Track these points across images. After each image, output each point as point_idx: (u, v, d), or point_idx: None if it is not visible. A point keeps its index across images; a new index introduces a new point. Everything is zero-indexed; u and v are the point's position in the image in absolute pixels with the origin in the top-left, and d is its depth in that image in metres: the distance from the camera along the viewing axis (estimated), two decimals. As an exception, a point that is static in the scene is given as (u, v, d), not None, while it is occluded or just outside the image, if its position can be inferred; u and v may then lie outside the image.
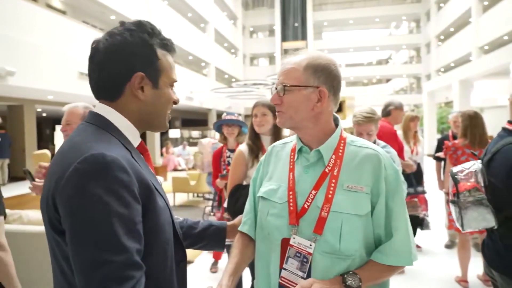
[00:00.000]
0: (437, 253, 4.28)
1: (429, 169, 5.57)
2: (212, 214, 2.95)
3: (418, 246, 4.34)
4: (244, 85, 17.09)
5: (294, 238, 1.04)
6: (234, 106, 23.46)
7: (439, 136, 16.40)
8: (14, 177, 11.65)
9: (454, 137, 4.13)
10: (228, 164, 3.00)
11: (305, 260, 1.02)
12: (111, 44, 0.90)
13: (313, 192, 1.05)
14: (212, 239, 1.21)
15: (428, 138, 17.60)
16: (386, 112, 3.73)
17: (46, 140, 18.74)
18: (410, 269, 3.69)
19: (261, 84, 16.82)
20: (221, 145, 3.28)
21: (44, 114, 17.08)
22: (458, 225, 1.74)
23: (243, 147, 2.36)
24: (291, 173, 1.11)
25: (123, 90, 0.91)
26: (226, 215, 2.86)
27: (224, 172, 3.00)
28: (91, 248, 0.74)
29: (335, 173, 1.05)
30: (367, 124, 2.47)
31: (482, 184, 1.66)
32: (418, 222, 4.16)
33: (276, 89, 1.10)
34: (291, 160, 1.14)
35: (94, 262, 0.74)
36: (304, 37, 27.42)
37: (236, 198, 2.24)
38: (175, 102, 1.01)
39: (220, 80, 24.06)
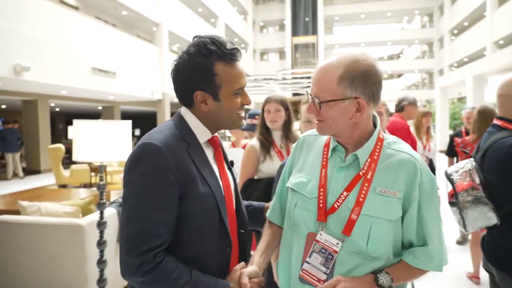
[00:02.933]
0: (448, 249, 4.25)
1: (441, 165, 5.52)
2: None
3: (429, 242, 4.32)
4: (255, 80, 17.08)
5: (321, 234, 1.05)
6: (244, 101, 23.46)
7: (451, 132, 16.20)
8: (29, 171, 11.91)
9: (467, 133, 4.10)
10: None
11: (330, 257, 1.03)
12: (177, 68, 1.10)
13: (345, 193, 1.04)
14: (252, 218, 1.31)
15: (440, 134, 17.40)
16: (400, 108, 3.72)
17: (59, 135, 19.04)
18: (421, 265, 3.69)
19: (272, 79, 16.80)
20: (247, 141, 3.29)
21: (57, 109, 17.35)
22: (460, 226, 1.72)
23: (254, 142, 2.39)
24: (324, 170, 1.10)
25: (192, 102, 1.11)
26: None
27: None
28: (126, 212, 1.00)
29: (368, 177, 1.03)
30: None
31: (478, 182, 1.64)
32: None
33: (312, 98, 1.06)
34: (324, 156, 1.13)
35: (126, 222, 0.99)
36: (314, 32, 27.21)
37: (250, 193, 2.26)
38: (246, 104, 1.15)
39: (230, 75, 24.05)
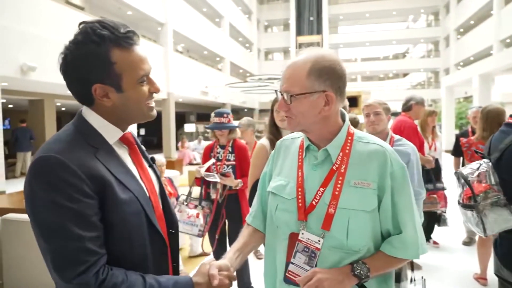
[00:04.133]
0: (455, 249, 4.23)
1: (447, 165, 5.49)
2: (185, 204, 2.94)
3: (435, 243, 4.30)
4: (259, 80, 17.07)
5: (303, 233, 1.06)
6: (249, 101, 23.48)
7: (457, 132, 16.10)
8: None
9: (474, 133, 4.06)
10: (217, 160, 3.00)
11: (313, 255, 1.05)
12: (64, 61, 0.94)
13: (321, 189, 1.06)
14: None
15: (446, 134, 17.28)
16: (407, 107, 3.69)
17: (65, 134, 19.14)
18: (427, 265, 3.67)
19: (276, 78, 16.75)
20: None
21: (63, 109, 17.45)
22: (478, 230, 1.66)
23: (264, 141, 2.40)
24: (300, 170, 1.12)
25: (92, 98, 0.96)
26: (199, 208, 2.91)
27: (224, 169, 2.97)
28: (42, 236, 0.87)
29: (342, 170, 1.06)
30: (373, 104, 2.46)
31: (494, 183, 1.61)
32: (436, 219, 4.12)
33: (282, 95, 1.09)
34: (300, 156, 1.15)
35: (47, 247, 0.87)
36: (319, 31, 27.16)
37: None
38: (154, 92, 1.02)
39: (234, 75, 24.10)
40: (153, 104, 1.03)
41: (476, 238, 3.86)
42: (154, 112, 1.05)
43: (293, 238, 1.08)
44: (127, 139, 1.05)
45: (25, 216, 2.72)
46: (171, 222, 1.12)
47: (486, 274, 3.32)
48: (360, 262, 1.02)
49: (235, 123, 3.25)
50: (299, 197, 1.09)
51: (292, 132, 1.21)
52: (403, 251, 1.05)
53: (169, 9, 14.49)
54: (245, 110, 26.06)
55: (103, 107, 0.97)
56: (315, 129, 1.10)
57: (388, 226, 1.07)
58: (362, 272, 1.00)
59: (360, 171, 1.06)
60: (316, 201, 1.06)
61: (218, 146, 3.06)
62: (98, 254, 0.88)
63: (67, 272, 0.85)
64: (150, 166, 1.13)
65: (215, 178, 2.87)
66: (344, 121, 1.13)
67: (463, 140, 3.33)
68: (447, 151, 8.46)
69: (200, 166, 2.98)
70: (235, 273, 1.11)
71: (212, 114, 3.05)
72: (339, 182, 1.05)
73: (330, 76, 1.04)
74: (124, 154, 1.04)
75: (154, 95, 1.04)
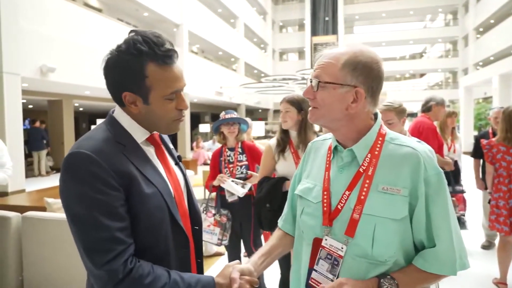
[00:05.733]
0: (473, 253, 4.14)
1: (466, 167, 5.37)
2: (204, 212, 2.90)
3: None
4: (274, 80, 17.05)
5: (326, 239, 1.01)
6: (263, 101, 23.47)
7: (476, 133, 15.73)
8: (55, 169, 12.29)
9: (494, 135, 3.97)
10: (229, 163, 2.97)
11: (335, 262, 0.99)
12: (106, 65, 1.02)
13: (347, 192, 1.00)
14: None
15: (465, 135, 16.92)
16: (427, 108, 3.62)
17: (83, 134, 19.41)
18: (445, 269, 3.59)
19: (291, 79, 16.72)
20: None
21: (81, 109, 17.80)
22: None
23: (272, 142, 2.49)
24: (327, 173, 1.07)
25: (122, 102, 1.04)
26: (217, 216, 2.86)
27: (243, 173, 2.94)
28: (76, 226, 0.93)
29: (369, 173, 0.98)
30: (386, 112, 2.38)
31: None
32: (454, 222, 4.04)
33: (311, 81, 1.03)
34: (328, 158, 1.10)
35: (79, 237, 0.93)
36: (335, 31, 26.95)
37: (261, 189, 2.39)
38: (182, 109, 1.07)
39: (249, 75, 24.12)
40: (181, 119, 1.09)
41: (496, 242, 3.76)
42: (178, 127, 1.10)
43: (317, 243, 1.03)
44: (154, 140, 1.11)
45: (44, 214, 2.78)
46: (196, 219, 1.17)
47: (506, 279, 3.24)
48: (388, 276, 0.93)
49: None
50: (325, 201, 1.03)
51: (314, 124, 1.18)
52: (437, 266, 0.96)
53: (185, 11, 14.61)
54: (260, 110, 26.06)
55: (131, 112, 1.05)
56: (340, 126, 1.03)
57: (422, 237, 0.98)
58: (389, 287, 0.92)
59: (389, 175, 0.97)
60: (342, 205, 1.00)
61: (227, 150, 3.02)
62: (126, 243, 0.94)
63: (98, 258, 0.91)
64: (177, 164, 1.19)
65: (245, 188, 2.84)
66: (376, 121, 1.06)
67: (483, 141, 3.26)
68: (465, 153, 8.28)
69: (222, 177, 2.87)
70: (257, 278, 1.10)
71: (222, 113, 3.04)
72: (366, 185, 0.98)
73: (364, 72, 0.98)
74: (150, 152, 1.09)
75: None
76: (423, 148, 1.01)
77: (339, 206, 1.00)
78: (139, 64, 0.98)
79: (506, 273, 3.23)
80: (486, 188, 3.97)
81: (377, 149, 1.01)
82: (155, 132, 1.11)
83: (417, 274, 0.96)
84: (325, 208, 1.03)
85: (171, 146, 1.22)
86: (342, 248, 0.98)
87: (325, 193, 1.04)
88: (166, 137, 1.23)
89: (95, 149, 0.95)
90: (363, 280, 0.95)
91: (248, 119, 4.11)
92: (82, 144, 0.96)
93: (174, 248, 1.05)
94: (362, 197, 0.97)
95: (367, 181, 0.98)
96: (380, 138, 1.02)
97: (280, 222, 1.26)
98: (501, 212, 3.14)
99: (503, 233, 3.12)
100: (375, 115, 1.07)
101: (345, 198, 1.00)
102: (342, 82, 0.98)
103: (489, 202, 3.31)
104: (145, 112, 1.03)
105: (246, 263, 1.10)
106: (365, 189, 0.98)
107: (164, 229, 1.02)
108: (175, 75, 1.03)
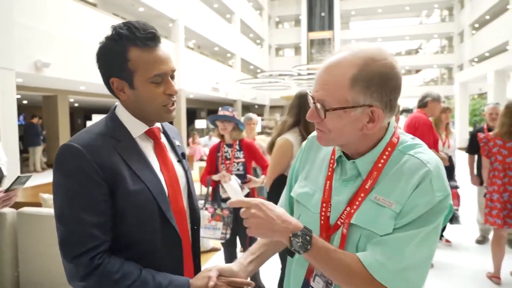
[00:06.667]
0: (467, 248, 4.18)
1: (461, 163, 5.41)
2: (204, 208, 2.88)
3: (448, 241, 4.25)
4: (270, 76, 17.02)
5: None
6: (260, 97, 23.44)
7: (471, 129, 15.83)
8: (50, 164, 12.22)
9: (490, 130, 4.00)
10: (226, 159, 2.96)
11: (330, 282, 0.90)
12: (96, 55, 1.05)
13: (348, 209, 0.88)
14: None
15: (460, 131, 17.01)
16: (423, 103, 3.64)
17: (78, 130, 19.31)
18: (439, 263, 3.63)
19: (287, 75, 16.70)
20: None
21: (76, 104, 17.69)
22: None
23: (291, 137, 2.22)
24: (328, 182, 0.94)
25: (112, 91, 1.05)
26: (219, 211, 2.84)
27: (239, 170, 2.93)
28: (56, 215, 0.96)
29: (367, 187, 0.87)
30: None
31: None
32: (448, 216, 4.08)
33: (314, 102, 0.86)
34: (331, 165, 0.96)
35: (57, 226, 0.96)
36: (331, 27, 26.91)
37: (278, 190, 2.11)
38: (170, 94, 1.04)
39: (245, 71, 24.06)
40: (173, 106, 1.07)
41: (490, 236, 3.80)
42: (172, 114, 1.07)
43: None
44: (153, 133, 1.10)
45: (40, 210, 2.77)
46: (195, 218, 1.16)
47: (500, 273, 3.28)
48: (309, 235, 0.82)
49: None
50: (323, 214, 0.92)
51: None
52: (377, 267, 0.80)
53: (181, 6, 14.52)
54: (256, 106, 26.02)
55: (124, 102, 1.06)
56: (351, 144, 0.90)
57: None
58: (298, 245, 0.81)
59: (387, 186, 0.84)
60: (342, 221, 0.88)
61: (224, 146, 3.01)
62: (99, 239, 0.94)
63: (68, 251, 0.93)
64: (180, 161, 1.17)
65: (243, 191, 2.83)
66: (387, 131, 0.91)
67: (481, 135, 3.30)
68: (460, 149, 8.33)
69: (224, 175, 2.85)
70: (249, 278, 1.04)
71: (219, 109, 3.03)
72: (359, 199, 0.86)
73: (380, 86, 0.81)
74: (148, 147, 1.08)
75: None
76: (435, 163, 0.85)
77: (338, 222, 0.89)
78: (120, 48, 0.99)
79: (500, 267, 3.27)
80: (481, 184, 4.01)
81: (382, 160, 0.88)
82: (156, 126, 1.11)
83: (344, 258, 0.82)
84: (322, 222, 0.92)
85: (177, 142, 1.20)
86: None
87: (324, 205, 0.93)
88: (174, 133, 1.22)
89: (85, 143, 0.97)
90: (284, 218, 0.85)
91: (253, 115, 4.08)
92: (76, 137, 0.99)
93: (163, 245, 1.03)
94: (352, 211, 0.86)
95: (362, 195, 0.87)
96: (389, 149, 0.88)
97: None
98: (494, 205, 3.17)
99: (496, 226, 3.16)
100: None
101: (346, 215, 0.88)
102: (353, 105, 0.82)
103: (485, 196, 3.35)
104: (133, 98, 1.03)
105: (233, 263, 1.04)
106: (357, 203, 0.87)
107: (151, 226, 1.01)
108: (159, 57, 1.01)
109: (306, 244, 0.82)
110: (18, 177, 1.52)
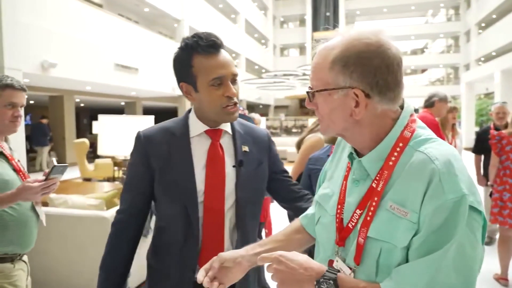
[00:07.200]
0: (474, 249, 4.14)
1: (467, 163, 5.37)
2: None
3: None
4: (275, 76, 17.02)
5: (337, 261, 0.86)
6: (264, 97, 23.43)
7: (477, 129, 15.70)
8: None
9: (497, 129, 3.96)
10: None
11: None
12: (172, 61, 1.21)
13: (358, 211, 0.82)
14: None
15: (466, 131, 16.89)
16: (430, 103, 3.62)
17: (84, 130, 19.51)
18: (445, 265, 3.60)
19: (292, 75, 16.70)
20: None
21: (82, 105, 17.78)
22: None
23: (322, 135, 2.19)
24: (345, 182, 0.89)
25: (183, 94, 1.20)
26: None
27: None
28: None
29: (379, 189, 0.79)
30: None
31: None
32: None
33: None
34: (348, 164, 0.91)
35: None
36: (336, 26, 26.67)
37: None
38: (229, 96, 1.13)
39: (250, 71, 24.07)
40: (233, 108, 1.14)
41: (497, 237, 3.76)
42: (233, 116, 1.16)
43: (330, 264, 0.88)
44: (213, 134, 1.21)
45: (47, 209, 2.79)
46: (241, 227, 1.24)
47: (507, 274, 3.25)
48: (333, 279, 0.76)
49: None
50: (337, 216, 0.87)
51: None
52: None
53: (186, 6, 14.56)
54: (260, 106, 26.02)
55: (193, 105, 1.21)
56: (350, 135, 0.84)
57: None
58: None
59: (400, 190, 0.76)
60: (353, 224, 0.83)
61: None
62: (126, 204, 1.22)
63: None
64: (235, 166, 1.19)
65: None
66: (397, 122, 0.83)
67: (493, 132, 3.27)
68: (466, 149, 8.27)
69: None
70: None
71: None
72: (373, 203, 0.79)
73: (359, 66, 0.76)
74: (203, 146, 1.20)
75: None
76: (446, 158, 0.74)
77: (350, 225, 0.84)
78: (186, 56, 1.13)
79: (507, 268, 3.24)
80: (487, 184, 3.97)
81: (393, 158, 0.79)
82: (219, 128, 1.21)
83: None
84: (337, 224, 0.87)
85: (245, 149, 1.22)
86: (350, 274, 0.82)
87: (339, 206, 0.87)
88: (251, 139, 1.25)
89: (147, 132, 1.21)
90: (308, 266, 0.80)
91: (256, 115, 4.09)
92: (148, 128, 1.23)
93: (183, 238, 1.14)
94: (369, 218, 0.79)
95: (375, 198, 0.79)
96: (400, 144, 0.80)
97: (302, 216, 1.09)
98: (505, 205, 3.14)
99: (506, 226, 3.12)
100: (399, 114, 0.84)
101: (356, 218, 0.83)
102: (334, 86, 0.79)
103: (490, 195, 3.31)
104: (198, 101, 1.16)
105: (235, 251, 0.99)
106: (372, 208, 0.79)
107: (177, 219, 1.15)
108: (219, 62, 1.12)
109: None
110: (54, 166, 1.55)
